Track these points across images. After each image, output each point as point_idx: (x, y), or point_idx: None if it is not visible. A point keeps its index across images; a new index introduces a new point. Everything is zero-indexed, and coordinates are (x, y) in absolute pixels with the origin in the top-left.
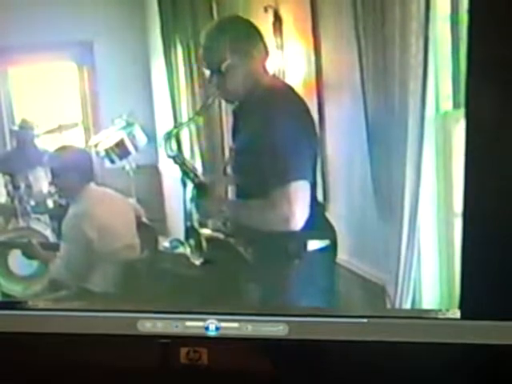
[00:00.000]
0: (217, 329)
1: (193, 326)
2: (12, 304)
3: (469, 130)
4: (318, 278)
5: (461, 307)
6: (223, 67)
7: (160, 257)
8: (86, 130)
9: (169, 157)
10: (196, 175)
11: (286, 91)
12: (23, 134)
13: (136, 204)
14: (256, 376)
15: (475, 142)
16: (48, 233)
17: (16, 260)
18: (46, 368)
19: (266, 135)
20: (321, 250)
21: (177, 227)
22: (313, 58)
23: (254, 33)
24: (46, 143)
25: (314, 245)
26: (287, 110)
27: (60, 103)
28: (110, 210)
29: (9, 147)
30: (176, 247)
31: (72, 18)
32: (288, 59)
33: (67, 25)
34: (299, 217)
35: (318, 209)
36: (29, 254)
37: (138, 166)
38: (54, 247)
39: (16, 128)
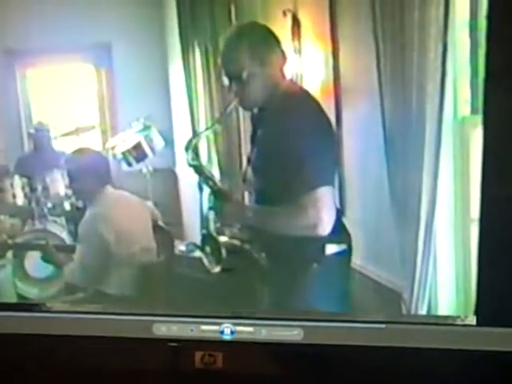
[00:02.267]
0: (232, 333)
1: (208, 329)
2: (28, 306)
3: (486, 136)
4: (334, 283)
5: (477, 314)
6: (244, 75)
7: (176, 260)
8: (104, 132)
9: (190, 166)
10: (215, 183)
11: (304, 96)
12: (40, 136)
13: (153, 207)
14: (270, 380)
15: (492, 147)
16: (64, 235)
17: (32, 262)
18: (61, 370)
19: (289, 141)
20: (338, 254)
21: (193, 231)
22: (331, 62)
23: (271, 39)
24: (64, 145)
25: (331, 249)
26: (308, 115)
27: (77, 105)
28: (127, 213)
29: (26, 149)
30: (192, 251)
31: (90, 20)
32: (306, 63)
33: (85, 27)
34: (326, 222)
35: (336, 213)
36: (47, 257)
37: (154, 169)
38: (71, 249)
39: (33, 130)
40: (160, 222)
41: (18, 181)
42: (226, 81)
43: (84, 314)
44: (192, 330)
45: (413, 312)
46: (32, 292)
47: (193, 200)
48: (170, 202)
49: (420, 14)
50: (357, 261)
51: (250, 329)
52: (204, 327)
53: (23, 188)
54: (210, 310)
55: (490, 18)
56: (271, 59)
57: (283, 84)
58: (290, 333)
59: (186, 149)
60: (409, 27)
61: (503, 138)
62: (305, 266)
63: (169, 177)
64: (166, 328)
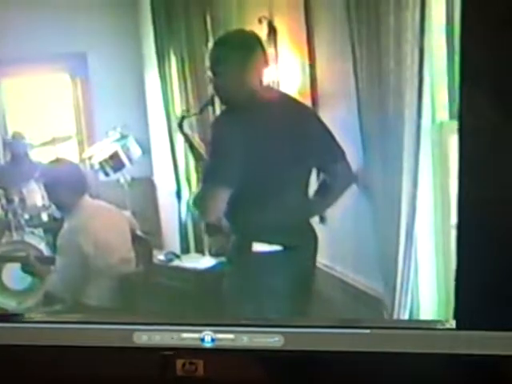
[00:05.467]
0: (212, 340)
1: (188, 337)
2: (7, 316)
3: (462, 142)
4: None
5: (456, 317)
6: (219, 71)
7: (155, 270)
8: (80, 142)
9: (182, 134)
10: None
11: (266, 102)
12: (17, 147)
13: (131, 217)
14: None
15: (469, 153)
16: (42, 246)
17: (10, 274)
18: (42, 381)
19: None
20: (266, 253)
21: (172, 240)
22: (307, 69)
23: (258, 46)
24: (40, 156)
25: (257, 247)
26: (228, 119)
27: (53, 115)
28: (106, 223)
29: (2, 161)
30: (171, 260)
31: (65, 30)
32: (283, 70)
33: (61, 36)
34: (210, 213)
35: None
36: (27, 268)
37: (132, 179)
38: (49, 261)
39: (9, 141)
40: (138, 232)
41: None
42: (210, 75)
43: (64, 324)
44: (173, 338)
45: (395, 317)
46: (10, 304)
47: (171, 209)
48: (148, 211)
49: (395, 19)
50: (338, 268)
51: (231, 336)
52: (185, 335)
53: None
54: (190, 318)
55: (463, 22)
56: (254, 64)
57: (257, 87)
58: (271, 339)
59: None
60: (385, 33)
61: (480, 143)
62: (240, 262)
63: (147, 186)
64: (147, 336)
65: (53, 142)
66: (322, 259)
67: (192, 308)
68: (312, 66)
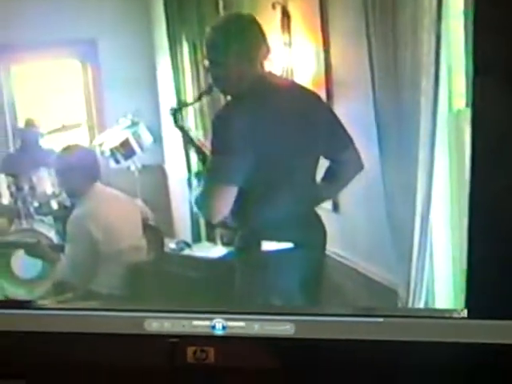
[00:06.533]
0: (223, 328)
1: (200, 325)
2: (19, 303)
3: (475, 130)
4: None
5: (468, 307)
6: (219, 60)
7: (166, 258)
8: (91, 129)
9: (176, 126)
10: (201, 149)
11: (267, 94)
12: (27, 134)
13: (142, 205)
14: (262, 375)
15: (482, 141)
16: (52, 234)
17: (19, 262)
18: (52, 367)
19: (221, 134)
20: (277, 251)
21: (183, 228)
22: (322, 56)
23: (257, 31)
24: (50, 143)
25: (268, 246)
26: (235, 114)
27: (64, 102)
28: (116, 210)
29: (12, 148)
30: (182, 249)
31: (76, 15)
32: (296, 56)
33: (71, 22)
34: (218, 214)
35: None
36: (35, 253)
37: (143, 166)
38: (59, 249)
39: (19, 128)
40: (150, 221)
41: (3, 179)
42: (206, 63)
43: (75, 311)
44: (184, 326)
45: (410, 306)
46: (19, 293)
47: (183, 197)
48: (159, 199)
49: (412, 4)
50: (352, 258)
51: (242, 323)
52: (196, 322)
53: (9, 187)
54: (201, 306)
55: (477, 9)
56: (252, 50)
57: (259, 76)
58: (282, 327)
59: (173, 113)
60: (401, 19)
61: (493, 132)
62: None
63: (158, 173)
64: (158, 324)
65: (63, 129)
66: (335, 249)
67: (203, 296)
68: (326, 53)
